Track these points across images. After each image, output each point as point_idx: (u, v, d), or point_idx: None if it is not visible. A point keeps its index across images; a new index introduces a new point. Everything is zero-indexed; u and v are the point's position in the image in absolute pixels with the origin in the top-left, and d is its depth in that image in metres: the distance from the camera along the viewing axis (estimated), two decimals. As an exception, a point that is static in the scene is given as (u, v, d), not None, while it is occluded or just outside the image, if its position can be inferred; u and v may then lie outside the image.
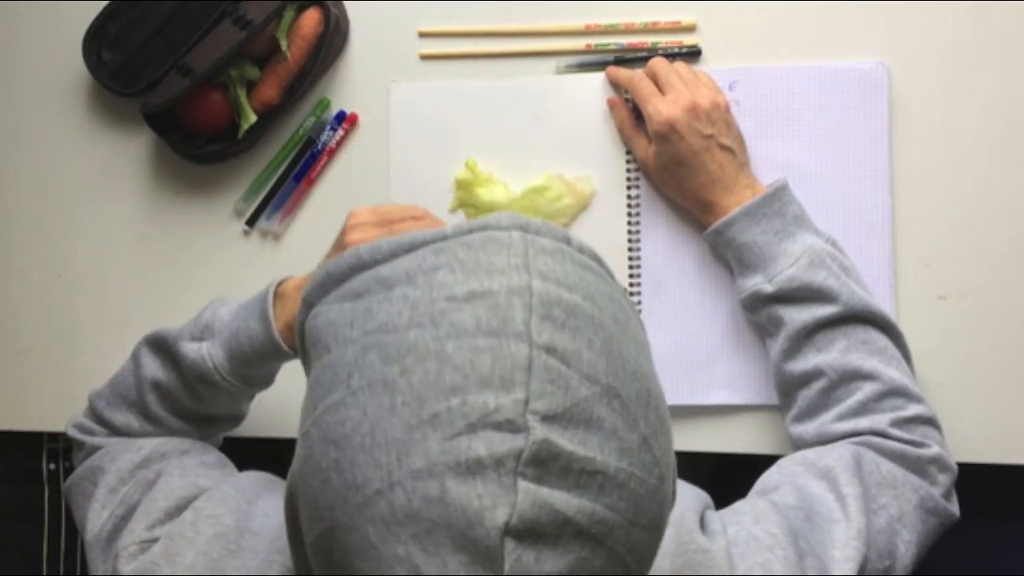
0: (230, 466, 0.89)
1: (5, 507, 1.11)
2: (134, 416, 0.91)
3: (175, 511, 0.80)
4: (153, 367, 0.90)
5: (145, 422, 0.91)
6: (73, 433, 0.93)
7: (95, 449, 0.90)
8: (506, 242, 0.54)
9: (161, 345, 0.89)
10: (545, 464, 0.49)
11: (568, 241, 0.57)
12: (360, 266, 0.57)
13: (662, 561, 0.72)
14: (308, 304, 0.60)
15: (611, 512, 0.50)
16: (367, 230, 0.87)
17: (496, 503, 0.48)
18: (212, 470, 0.86)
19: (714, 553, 0.73)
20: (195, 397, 0.89)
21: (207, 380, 0.87)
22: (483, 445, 0.49)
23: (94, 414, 0.93)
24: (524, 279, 0.52)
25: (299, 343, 0.62)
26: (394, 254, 0.56)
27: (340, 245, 0.88)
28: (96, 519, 0.84)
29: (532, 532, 0.48)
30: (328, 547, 0.53)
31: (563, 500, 0.49)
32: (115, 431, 0.92)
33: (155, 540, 0.78)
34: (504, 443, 0.49)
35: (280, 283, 0.87)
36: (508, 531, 0.48)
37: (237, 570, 0.74)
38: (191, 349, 0.87)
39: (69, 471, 0.95)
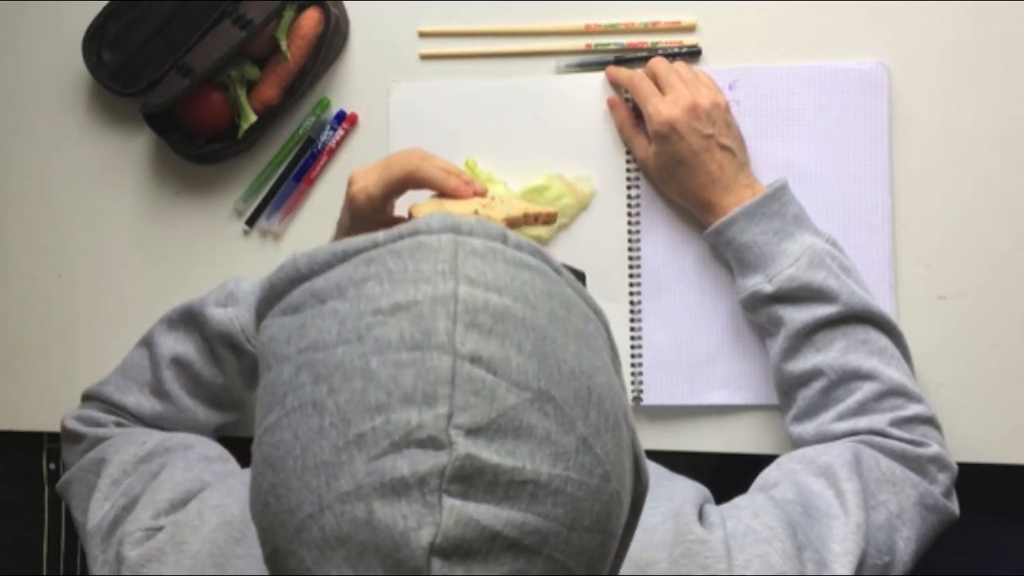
0: (233, 461, 0.89)
1: (5, 507, 1.11)
2: (145, 397, 0.93)
3: (179, 503, 0.81)
4: (171, 342, 0.94)
5: (157, 401, 0.93)
6: (73, 425, 0.93)
7: (98, 441, 0.91)
8: (435, 247, 0.53)
9: (184, 315, 0.94)
10: (470, 479, 0.48)
11: (504, 239, 0.55)
12: (299, 278, 0.56)
13: (660, 552, 0.72)
14: (259, 316, 0.59)
15: (545, 521, 0.49)
16: (368, 176, 0.87)
17: (421, 523, 0.47)
18: (215, 464, 0.87)
19: (712, 543, 0.73)
20: (215, 364, 0.93)
21: (232, 342, 0.91)
22: (407, 464, 0.48)
23: (101, 401, 0.95)
24: (450, 286, 0.51)
25: (258, 354, 0.61)
26: (329, 264, 0.55)
27: (347, 198, 0.90)
28: (98, 510, 0.85)
29: (459, 550, 0.47)
30: (274, 569, 0.53)
31: (490, 514, 0.48)
32: (125, 414, 0.94)
33: (160, 528, 0.79)
34: (427, 461, 0.48)
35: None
36: (434, 551, 0.47)
37: (242, 557, 0.75)
38: (218, 312, 0.91)
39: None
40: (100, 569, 0.82)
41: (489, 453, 0.48)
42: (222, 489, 0.82)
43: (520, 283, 0.53)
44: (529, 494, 0.49)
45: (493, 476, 0.48)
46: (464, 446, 0.48)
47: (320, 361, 0.51)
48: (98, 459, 0.88)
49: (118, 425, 0.94)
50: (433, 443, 0.48)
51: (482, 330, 0.50)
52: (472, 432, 0.48)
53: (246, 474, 0.85)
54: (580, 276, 0.71)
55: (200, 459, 0.87)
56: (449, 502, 0.47)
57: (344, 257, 0.55)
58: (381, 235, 0.55)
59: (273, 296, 0.57)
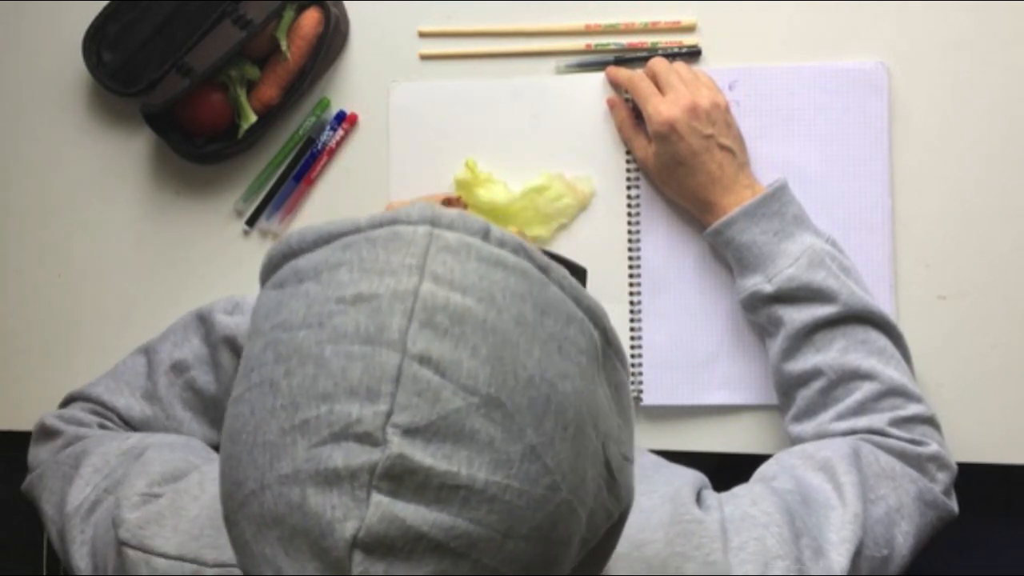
0: (216, 454, 0.89)
1: (5, 507, 1.11)
2: (137, 400, 0.94)
3: (171, 477, 0.81)
4: (169, 348, 0.95)
5: (147, 405, 0.93)
6: (52, 422, 0.93)
7: (76, 439, 0.90)
8: (408, 239, 0.53)
9: (189, 321, 0.96)
10: (400, 478, 0.48)
11: (485, 234, 0.54)
12: (289, 254, 0.57)
13: (656, 532, 0.72)
14: (261, 284, 0.60)
15: (476, 526, 0.49)
16: None
17: (347, 515, 0.48)
18: (201, 453, 0.87)
19: (707, 524, 0.74)
20: (212, 371, 0.93)
21: (235, 346, 0.92)
22: (342, 456, 0.48)
23: (88, 401, 0.94)
24: (413, 282, 0.51)
25: None
26: (315, 244, 0.56)
27: None
28: (79, 494, 0.84)
29: (381, 546, 0.48)
30: (228, 534, 0.54)
31: (417, 515, 0.48)
32: (112, 416, 0.93)
33: (158, 495, 0.79)
34: (361, 455, 0.48)
35: None
36: (356, 544, 0.48)
37: None
38: (225, 317, 0.93)
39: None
40: (79, 549, 0.82)
41: (423, 455, 0.48)
42: None
43: (489, 283, 0.52)
44: (461, 499, 0.49)
45: (424, 478, 0.48)
46: (398, 445, 0.48)
47: (284, 341, 0.52)
48: (78, 452, 0.88)
49: (102, 427, 0.93)
50: (369, 439, 0.48)
51: (437, 330, 0.50)
52: (409, 432, 0.48)
53: None
54: (581, 273, 0.70)
55: (184, 447, 0.87)
56: (377, 498, 0.48)
57: (328, 239, 0.55)
58: (363, 220, 0.55)
59: (269, 268, 0.58)
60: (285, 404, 0.51)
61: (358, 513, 0.48)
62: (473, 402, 0.49)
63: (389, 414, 0.49)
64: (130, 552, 0.75)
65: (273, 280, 0.57)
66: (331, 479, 0.48)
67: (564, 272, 0.57)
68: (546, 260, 0.56)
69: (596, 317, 0.58)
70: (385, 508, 0.48)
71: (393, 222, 0.54)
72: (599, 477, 0.55)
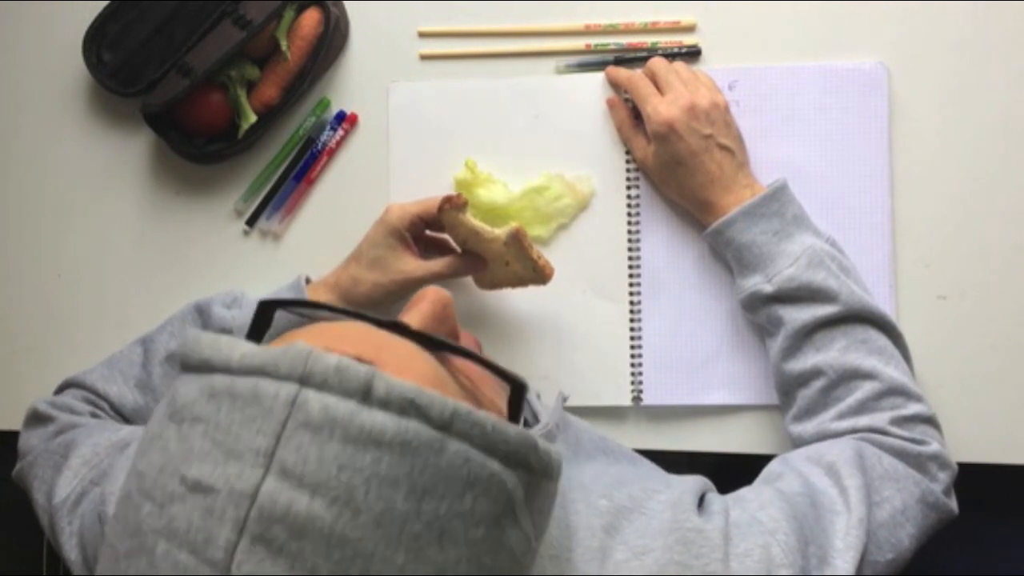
0: None
1: (4, 507, 1.11)
2: (130, 389, 0.95)
3: None
4: (166, 339, 0.96)
5: (140, 395, 0.94)
6: (44, 408, 0.93)
7: (69, 427, 0.91)
8: (267, 407, 0.48)
9: (187, 313, 0.97)
10: None
11: (365, 395, 0.48)
12: (183, 358, 0.53)
13: (656, 539, 0.72)
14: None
15: None
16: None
17: None
18: None
19: (708, 532, 0.73)
20: None
21: None
22: None
23: (81, 388, 0.95)
24: (255, 478, 0.46)
25: None
26: (197, 367, 0.52)
27: (382, 215, 0.98)
28: (66, 486, 0.85)
29: None
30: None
31: None
32: (104, 404, 0.94)
33: None
34: None
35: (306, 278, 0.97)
36: None
37: None
38: (223, 310, 0.95)
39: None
40: (68, 540, 0.82)
41: None
42: None
43: (350, 475, 0.46)
44: None
45: None
46: None
47: (129, 514, 0.50)
48: (68, 442, 0.88)
49: (93, 416, 0.94)
50: None
51: (270, 548, 0.45)
52: None
53: None
54: (519, 389, 0.60)
55: None
56: None
57: (207, 367, 0.51)
58: (236, 356, 0.50)
59: (178, 359, 0.55)
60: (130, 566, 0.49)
61: None
62: None
63: None
64: None
65: (170, 390, 0.54)
66: None
67: (476, 419, 0.50)
68: (449, 412, 0.49)
69: (518, 458, 0.52)
70: None
71: (262, 372, 0.49)
72: None
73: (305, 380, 0.48)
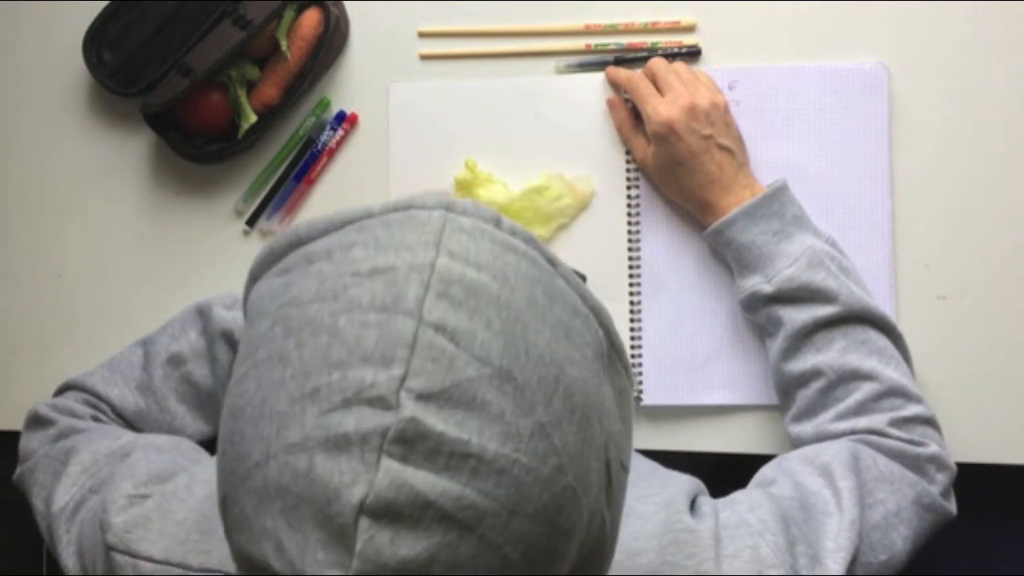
0: (206, 455, 0.89)
1: (5, 507, 1.11)
2: (131, 391, 0.94)
3: (157, 478, 0.80)
4: (167, 341, 0.95)
5: (141, 397, 0.94)
6: (45, 411, 0.93)
7: (70, 431, 0.91)
8: (424, 220, 0.53)
9: (188, 315, 0.97)
10: (412, 443, 0.47)
11: (497, 222, 0.55)
12: (296, 243, 0.57)
13: (649, 541, 0.72)
14: (253, 279, 0.60)
15: (484, 498, 0.48)
16: None
17: (355, 480, 0.47)
18: (189, 454, 0.87)
19: (700, 533, 0.73)
20: (208, 364, 0.94)
21: (232, 340, 0.93)
22: (353, 421, 0.48)
23: (82, 391, 0.95)
24: (430, 256, 0.51)
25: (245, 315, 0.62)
26: (326, 231, 0.56)
27: None
28: (65, 494, 0.85)
29: (389, 512, 0.47)
30: (223, 518, 0.53)
31: (427, 482, 0.47)
32: (105, 407, 0.94)
33: (146, 496, 0.78)
34: (372, 419, 0.47)
35: None
36: (363, 510, 0.46)
37: None
38: (224, 311, 0.95)
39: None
40: (65, 548, 0.82)
41: (436, 420, 0.48)
42: (213, 465, 0.82)
43: (503, 264, 0.53)
44: (471, 469, 0.48)
45: (435, 444, 0.47)
46: (411, 409, 0.47)
47: (294, 316, 0.52)
48: (68, 448, 0.88)
49: (94, 419, 0.94)
50: (381, 403, 0.48)
51: (452, 301, 0.50)
52: (423, 397, 0.48)
53: None
54: (582, 278, 0.70)
55: (173, 449, 0.87)
56: (387, 463, 0.47)
57: (340, 225, 0.55)
58: (376, 206, 0.55)
59: (270, 259, 0.58)
60: (295, 374, 0.50)
61: (367, 478, 0.47)
62: (486, 373, 0.49)
63: (403, 379, 0.48)
64: (117, 556, 0.75)
65: (275, 269, 0.57)
66: (340, 444, 0.48)
67: (570, 270, 0.57)
68: (554, 255, 0.57)
69: (601, 317, 0.57)
70: (395, 473, 0.47)
71: (408, 207, 0.54)
72: (601, 475, 0.54)
73: (449, 208, 0.54)
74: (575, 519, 0.52)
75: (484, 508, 0.48)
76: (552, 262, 0.56)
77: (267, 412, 0.50)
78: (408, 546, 0.47)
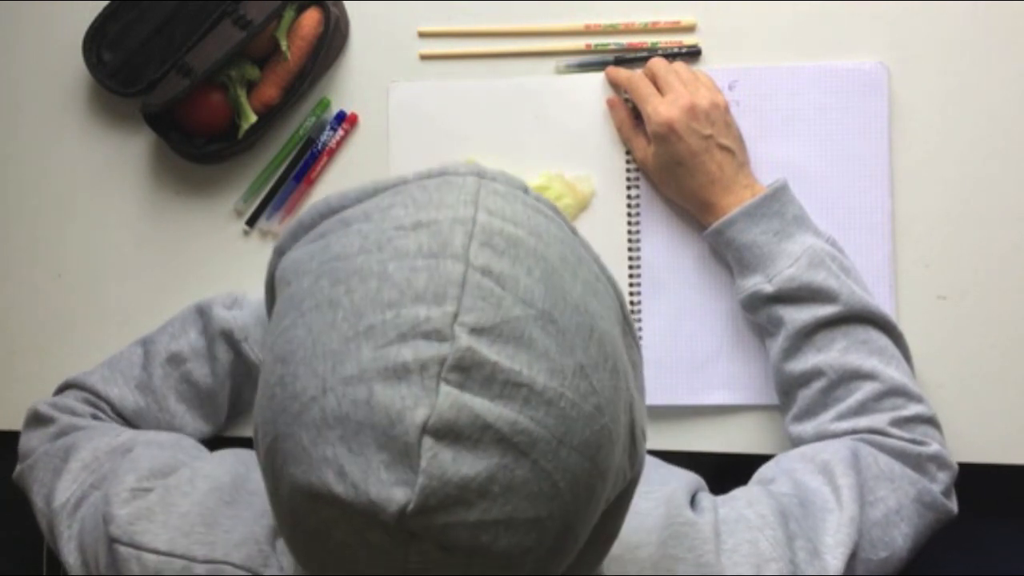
0: (206, 452, 0.89)
1: (5, 507, 1.11)
2: (131, 390, 0.94)
3: (160, 472, 0.81)
4: (166, 340, 0.96)
5: (141, 396, 0.94)
6: (46, 409, 0.93)
7: (71, 428, 0.91)
8: (460, 184, 0.56)
9: (188, 314, 0.97)
10: (468, 371, 0.50)
11: (525, 190, 0.58)
12: (328, 212, 0.59)
13: (650, 535, 0.73)
14: (279, 253, 0.62)
15: (536, 425, 0.51)
16: None
17: (417, 403, 0.49)
18: (190, 451, 0.87)
19: (700, 526, 0.74)
20: (208, 364, 0.95)
21: (232, 339, 0.94)
22: (411, 352, 0.50)
23: (82, 390, 0.95)
24: (471, 211, 0.54)
25: (267, 293, 0.64)
26: (359, 199, 0.58)
27: None
28: (65, 490, 0.85)
29: (451, 432, 0.49)
30: (271, 462, 0.54)
31: (484, 406, 0.50)
32: (105, 406, 0.94)
33: (149, 490, 0.79)
34: (430, 350, 0.50)
35: None
36: (427, 430, 0.49)
37: (231, 519, 0.75)
38: (224, 311, 0.95)
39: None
40: (67, 544, 0.82)
41: (489, 351, 0.51)
42: (215, 460, 0.83)
43: (535, 223, 0.56)
44: (523, 397, 0.51)
45: (491, 372, 0.50)
46: (466, 340, 0.50)
47: (340, 268, 0.54)
48: (68, 446, 0.88)
49: (94, 418, 0.93)
50: (437, 335, 0.50)
51: (496, 250, 0.53)
52: (476, 331, 0.51)
53: (232, 452, 0.85)
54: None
55: (174, 445, 0.87)
56: (446, 388, 0.50)
57: (374, 192, 0.58)
58: (411, 174, 0.58)
59: (300, 230, 0.60)
60: (347, 315, 0.52)
61: (428, 401, 0.49)
62: (531, 313, 0.52)
63: (456, 314, 0.51)
64: (121, 548, 0.75)
65: (310, 236, 0.59)
66: (400, 373, 0.50)
67: (589, 244, 0.61)
68: (574, 227, 0.61)
69: (617, 289, 0.61)
70: (455, 397, 0.50)
71: (442, 173, 0.57)
72: (627, 432, 0.57)
73: (481, 174, 0.57)
74: (609, 462, 0.55)
75: (537, 434, 0.51)
76: (573, 231, 0.60)
77: (320, 352, 0.52)
78: (469, 464, 0.49)
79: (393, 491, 0.49)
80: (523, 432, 0.50)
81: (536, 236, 0.55)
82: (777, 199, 0.94)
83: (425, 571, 0.50)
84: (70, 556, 0.82)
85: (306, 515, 0.52)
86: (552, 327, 0.52)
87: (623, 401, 0.56)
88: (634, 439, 0.58)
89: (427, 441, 0.49)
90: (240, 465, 0.81)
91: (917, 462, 0.86)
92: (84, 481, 0.84)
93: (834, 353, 0.90)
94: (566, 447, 0.52)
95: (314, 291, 0.54)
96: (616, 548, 0.71)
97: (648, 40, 1.03)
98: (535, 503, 0.51)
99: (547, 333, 0.52)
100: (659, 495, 0.77)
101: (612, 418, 0.55)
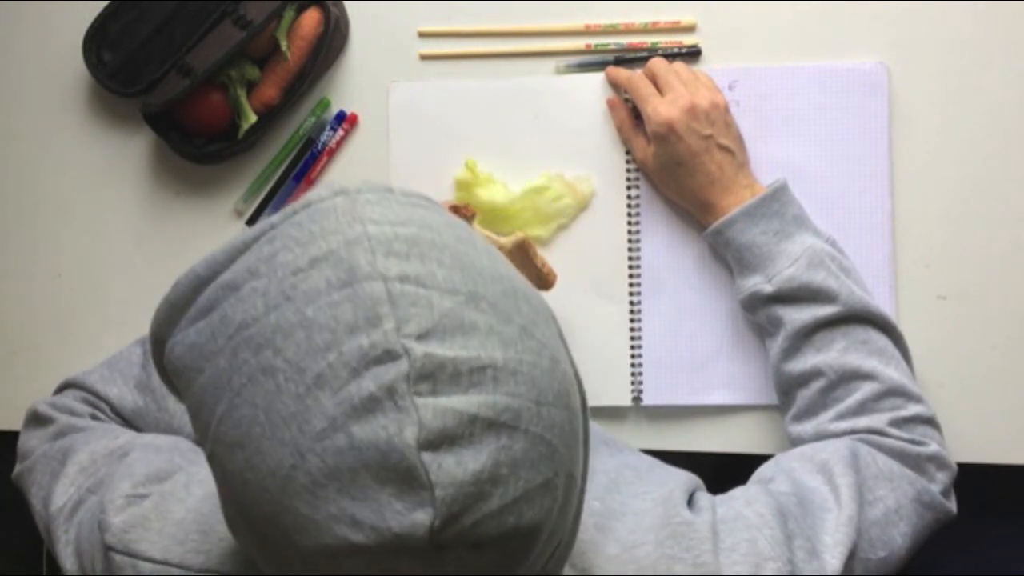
0: (203, 454, 0.89)
1: (4, 507, 1.11)
2: (130, 390, 0.94)
3: (156, 478, 0.80)
4: None
5: (140, 396, 0.94)
6: (45, 409, 0.93)
7: (70, 429, 0.91)
8: (330, 208, 0.56)
9: None
10: (433, 376, 0.50)
11: (390, 190, 0.58)
12: (201, 284, 0.58)
13: (647, 535, 0.73)
14: (160, 342, 0.60)
15: (513, 399, 0.52)
16: None
17: (401, 426, 0.50)
18: (188, 454, 0.87)
19: (697, 526, 0.74)
20: None
21: None
22: (371, 382, 0.50)
23: (81, 390, 0.95)
24: (358, 228, 0.54)
25: (165, 382, 0.62)
26: (231, 259, 0.57)
27: None
28: (63, 494, 0.85)
29: (444, 438, 0.50)
30: (266, 541, 0.53)
31: (463, 401, 0.51)
32: (104, 406, 0.94)
33: (144, 496, 0.78)
34: (389, 372, 0.50)
35: None
36: (421, 446, 0.49)
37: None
38: None
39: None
40: (63, 549, 0.82)
41: (443, 350, 0.51)
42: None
43: (420, 217, 0.56)
44: (492, 378, 0.52)
45: (454, 368, 0.51)
46: (419, 348, 0.51)
47: (256, 334, 0.53)
48: (66, 448, 0.88)
49: (93, 418, 0.93)
50: (389, 355, 0.50)
51: (400, 255, 0.53)
52: (422, 336, 0.51)
53: None
54: None
55: (171, 448, 0.86)
56: (421, 400, 0.50)
57: (244, 248, 0.57)
58: (275, 216, 0.58)
59: (175, 313, 0.58)
60: (289, 376, 0.51)
61: (411, 419, 0.50)
62: (460, 299, 0.53)
63: (398, 328, 0.51)
64: (116, 557, 0.75)
65: (189, 316, 0.57)
66: (370, 406, 0.50)
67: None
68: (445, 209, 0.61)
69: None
70: (433, 405, 0.50)
71: (306, 205, 0.57)
72: (576, 388, 0.58)
73: (345, 192, 0.57)
74: (576, 403, 0.58)
75: (517, 406, 0.52)
76: (470, 219, 0.62)
77: (277, 420, 0.51)
78: (473, 459, 0.50)
79: (414, 517, 0.49)
80: (506, 409, 0.51)
81: (427, 228, 0.55)
82: (777, 199, 0.94)
83: (463, 574, 0.51)
84: (67, 561, 0.82)
85: (331, 573, 0.52)
86: (484, 303, 0.54)
87: (560, 340, 0.58)
88: (575, 366, 0.60)
89: (426, 456, 0.49)
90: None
91: (916, 462, 0.86)
92: (81, 485, 0.84)
93: (833, 353, 0.90)
94: (545, 405, 0.53)
95: (238, 367, 0.53)
96: (614, 548, 0.71)
97: (648, 40, 1.03)
98: (540, 467, 0.52)
99: (482, 311, 0.53)
100: (656, 495, 0.76)
101: (564, 360, 0.57)
